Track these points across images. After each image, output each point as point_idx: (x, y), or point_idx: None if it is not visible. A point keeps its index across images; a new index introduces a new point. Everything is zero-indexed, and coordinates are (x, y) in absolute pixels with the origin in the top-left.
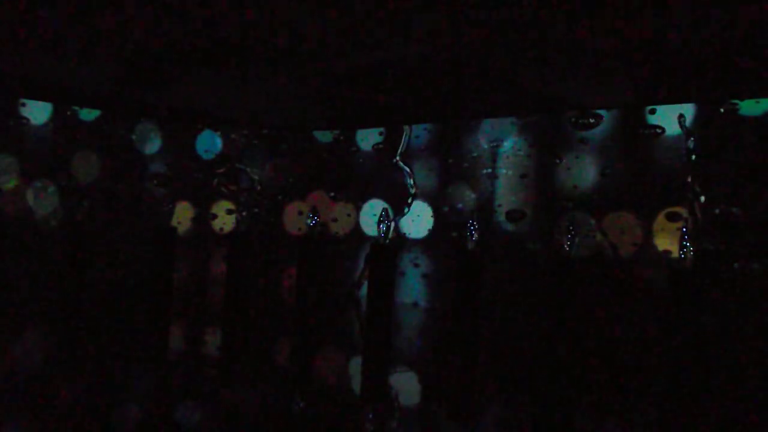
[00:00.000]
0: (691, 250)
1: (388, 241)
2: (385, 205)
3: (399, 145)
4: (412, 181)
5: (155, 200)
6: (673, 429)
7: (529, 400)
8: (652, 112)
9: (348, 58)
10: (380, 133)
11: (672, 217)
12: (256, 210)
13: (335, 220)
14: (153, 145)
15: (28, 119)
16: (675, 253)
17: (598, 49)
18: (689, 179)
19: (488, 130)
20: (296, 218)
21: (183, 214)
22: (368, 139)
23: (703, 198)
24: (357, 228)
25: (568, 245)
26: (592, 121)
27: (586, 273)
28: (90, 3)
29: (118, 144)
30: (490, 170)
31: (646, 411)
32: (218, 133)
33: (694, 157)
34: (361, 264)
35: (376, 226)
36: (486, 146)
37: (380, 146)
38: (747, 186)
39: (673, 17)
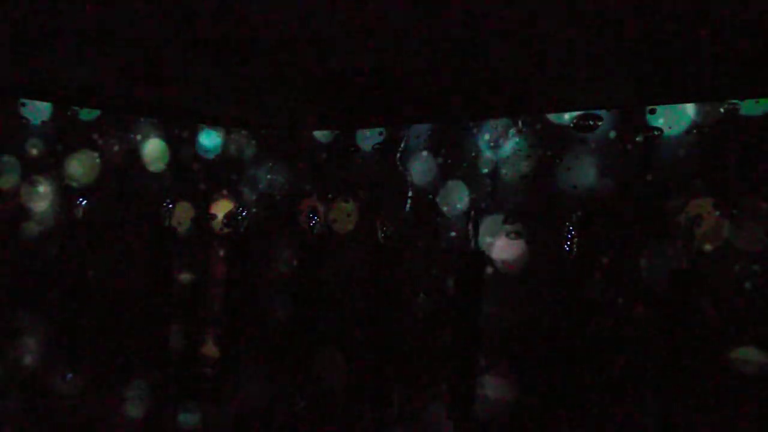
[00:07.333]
0: (692, 251)
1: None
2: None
3: (399, 146)
4: (410, 183)
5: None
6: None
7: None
8: (653, 112)
9: (348, 59)
10: (380, 134)
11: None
12: (255, 210)
13: (335, 221)
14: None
15: (28, 119)
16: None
17: (598, 49)
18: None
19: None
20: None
21: (183, 214)
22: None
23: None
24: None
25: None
26: (591, 123)
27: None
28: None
29: (118, 144)
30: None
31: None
32: (218, 132)
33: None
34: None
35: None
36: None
37: (379, 146)
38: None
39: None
